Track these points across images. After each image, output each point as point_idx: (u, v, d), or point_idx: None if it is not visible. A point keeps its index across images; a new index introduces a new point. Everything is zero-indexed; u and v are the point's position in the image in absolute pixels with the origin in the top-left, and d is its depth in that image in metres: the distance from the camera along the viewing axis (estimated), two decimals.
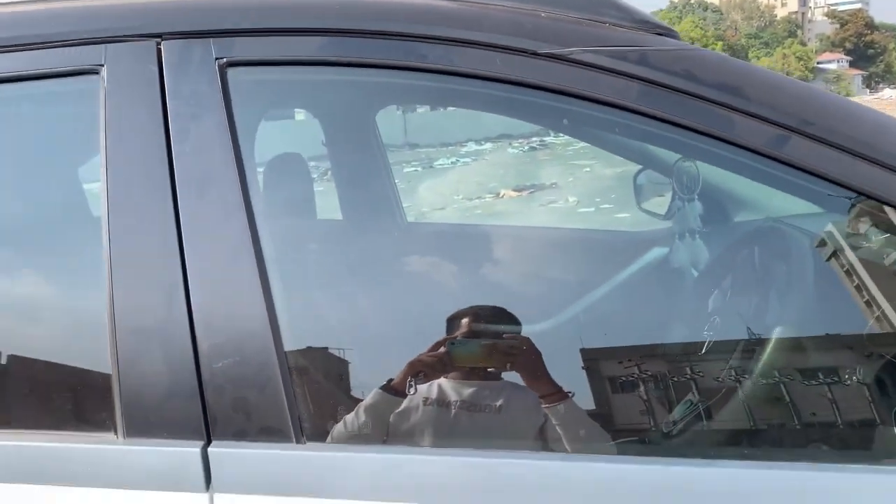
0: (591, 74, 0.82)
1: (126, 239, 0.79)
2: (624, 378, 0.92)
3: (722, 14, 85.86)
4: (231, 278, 0.79)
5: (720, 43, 60.43)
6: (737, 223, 1.32)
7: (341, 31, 0.85)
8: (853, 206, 0.89)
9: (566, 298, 1.17)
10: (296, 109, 1.46)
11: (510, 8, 0.88)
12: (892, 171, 0.81)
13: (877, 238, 0.89)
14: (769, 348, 0.98)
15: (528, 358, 0.89)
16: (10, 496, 0.76)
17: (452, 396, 0.88)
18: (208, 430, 0.76)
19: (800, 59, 70.03)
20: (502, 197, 12.72)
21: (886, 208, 0.82)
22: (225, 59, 0.83)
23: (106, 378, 0.78)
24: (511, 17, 0.87)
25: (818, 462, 0.80)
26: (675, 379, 0.93)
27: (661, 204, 1.67)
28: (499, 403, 0.89)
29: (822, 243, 1.02)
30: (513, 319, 0.95)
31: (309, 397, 0.80)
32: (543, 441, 0.86)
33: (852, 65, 72.95)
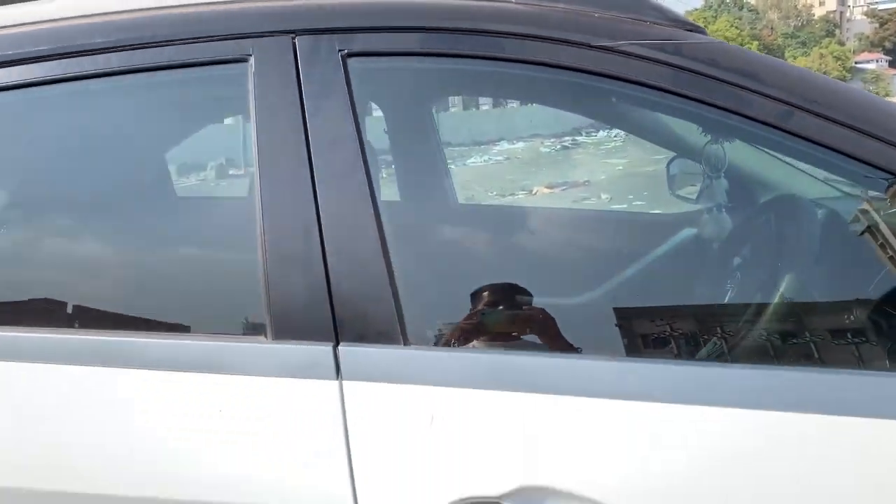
0: (636, 63, 1.05)
1: (273, 187, 1.03)
2: (657, 333, 1.14)
3: (758, 13, 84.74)
4: (353, 219, 1.02)
5: (756, 42, 59.74)
6: (753, 198, 1.52)
7: (438, 28, 1.08)
8: (851, 173, 1.10)
9: (603, 272, 1.41)
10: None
11: (570, 10, 1.10)
12: (881, 140, 1.02)
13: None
14: (777, 297, 1.21)
15: (545, 324, 1.12)
16: (187, 381, 1.00)
17: None
18: (337, 334, 1.00)
19: (837, 58, 68.97)
20: (535, 194, 12.89)
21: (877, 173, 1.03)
22: (346, 51, 1.07)
23: (259, 297, 1.02)
24: (571, 17, 1.09)
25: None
26: (701, 332, 1.15)
27: (692, 192, 1.88)
28: None
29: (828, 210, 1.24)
30: (535, 290, 1.17)
31: (409, 311, 1.02)
32: None
33: (892, 64, 71.52)
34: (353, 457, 0.96)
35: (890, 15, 77.25)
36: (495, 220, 1.62)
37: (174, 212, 1.23)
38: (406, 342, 1.00)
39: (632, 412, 0.96)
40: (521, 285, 1.14)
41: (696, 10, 74.51)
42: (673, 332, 1.11)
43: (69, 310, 1.12)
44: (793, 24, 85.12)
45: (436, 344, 1.06)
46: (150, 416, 1.00)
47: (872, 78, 65.29)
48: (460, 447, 0.95)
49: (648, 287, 1.34)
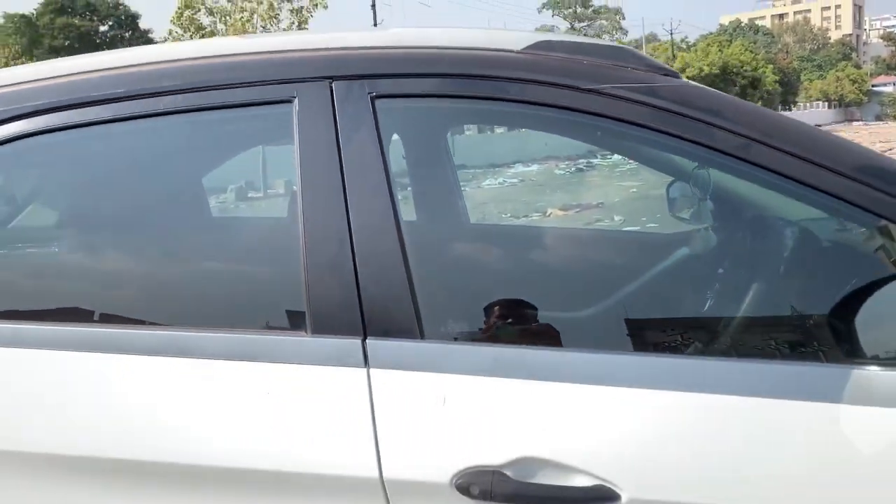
0: (618, 103, 1.24)
1: (313, 206, 1.23)
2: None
3: (773, 37, 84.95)
4: (378, 233, 1.22)
5: (770, 66, 59.85)
6: (734, 217, 1.71)
7: (451, 74, 1.28)
8: (802, 196, 1.29)
9: (592, 285, 1.61)
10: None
11: (563, 58, 1.30)
12: (824, 168, 1.21)
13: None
14: (743, 304, 1.40)
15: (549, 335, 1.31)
16: (243, 368, 1.19)
17: None
18: (365, 329, 1.19)
19: (854, 81, 68.97)
20: (549, 215, 13.08)
21: (817, 193, 1.22)
22: (374, 93, 1.27)
23: (301, 298, 1.21)
24: (564, 64, 1.29)
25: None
26: (674, 333, 1.35)
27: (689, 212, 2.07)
28: None
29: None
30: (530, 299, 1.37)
31: (425, 310, 1.22)
32: None
33: None
34: (378, 431, 1.15)
35: None
36: (499, 237, 1.84)
37: (234, 228, 1.44)
38: (423, 336, 1.20)
39: (611, 396, 1.14)
40: (523, 298, 1.34)
41: (712, 34, 74.87)
42: (650, 332, 1.30)
43: (154, 309, 1.33)
44: (808, 48, 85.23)
45: (447, 338, 1.25)
46: (214, 397, 1.19)
47: (890, 101, 65.13)
48: (467, 424, 1.14)
49: (630, 297, 1.53)
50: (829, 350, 1.29)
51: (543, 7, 72.73)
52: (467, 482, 1.12)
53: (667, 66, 1.35)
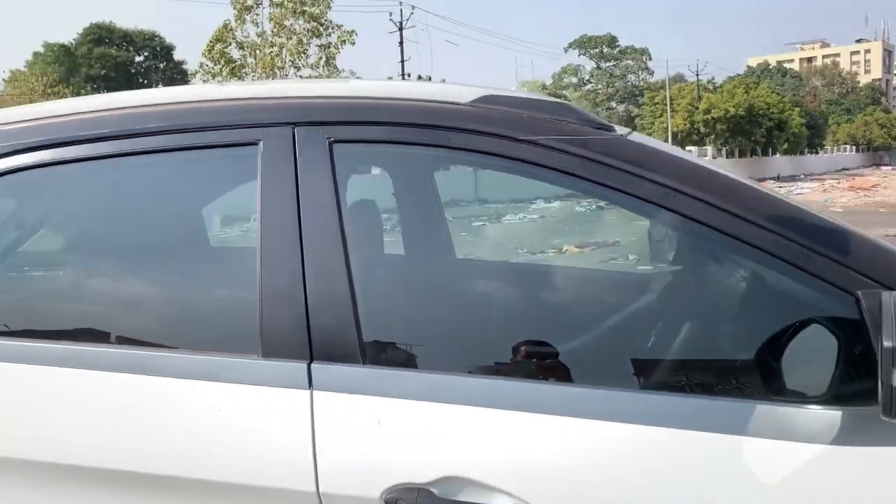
0: (550, 153, 1.36)
1: (271, 240, 1.35)
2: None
3: (801, 80, 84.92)
4: (328, 266, 1.34)
5: (797, 109, 59.73)
6: (675, 261, 1.82)
7: (402, 123, 1.41)
8: (719, 246, 1.39)
9: (539, 320, 1.71)
10: (372, 167, 2.05)
11: (506, 111, 1.42)
12: (738, 217, 1.31)
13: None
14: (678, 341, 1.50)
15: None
16: (192, 389, 1.31)
17: None
18: (311, 354, 1.30)
19: (882, 126, 68.53)
20: (564, 252, 13.16)
21: (729, 240, 1.31)
22: (332, 138, 1.40)
23: (256, 326, 1.33)
24: (505, 117, 1.41)
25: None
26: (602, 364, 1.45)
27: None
28: None
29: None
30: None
31: (368, 338, 1.32)
32: None
33: None
34: (317, 448, 1.25)
35: None
36: (443, 272, 1.95)
37: (197, 258, 1.57)
38: (364, 362, 1.31)
39: (533, 422, 1.24)
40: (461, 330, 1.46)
41: (739, 76, 75.02)
42: (577, 364, 1.40)
43: (122, 330, 1.46)
44: (837, 91, 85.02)
45: (387, 364, 1.36)
46: (172, 412, 1.31)
47: None
48: (398, 444, 1.25)
49: (563, 331, 1.63)
50: (751, 387, 1.38)
51: (570, 46, 73.44)
52: (395, 497, 1.22)
53: (602, 120, 1.46)
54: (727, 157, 56.31)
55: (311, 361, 1.30)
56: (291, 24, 24.82)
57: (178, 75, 49.36)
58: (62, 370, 1.33)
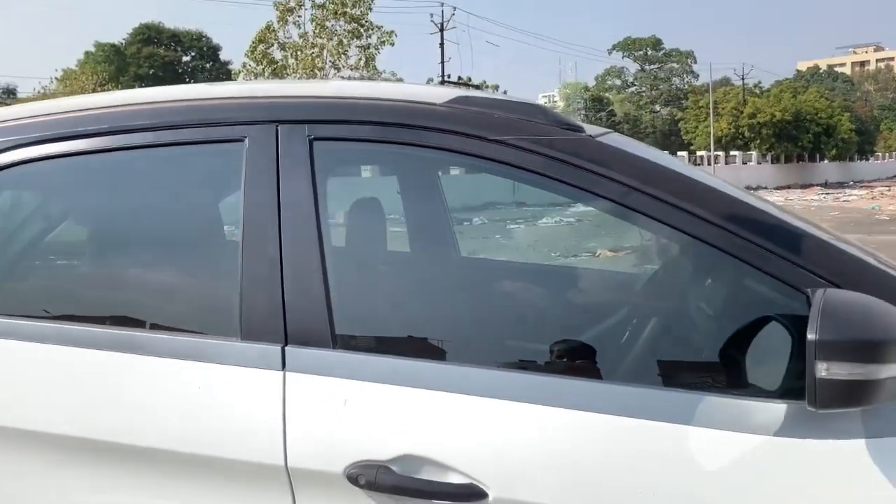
0: (517, 152, 1.42)
1: (252, 230, 1.44)
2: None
3: (853, 84, 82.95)
4: (304, 257, 1.42)
5: (847, 114, 58.40)
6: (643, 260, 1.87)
7: (378, 122, 1.49)
8: (679, 244, 1.44)
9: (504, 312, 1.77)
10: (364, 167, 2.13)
11: (478, 111, 1.49)
12: (697, 216, 1.36)
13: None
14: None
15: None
16: (179, 369, 1.40)
17: None
18: (286, 338, 1.39)
19: None
20: (598, 256, 13.11)
21: (688, 238, 1.36)
22: (313, 136, 1.49)
23: (236, 311, 1.42)
24: (476, 117, 1.48)
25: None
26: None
27: None
28: None
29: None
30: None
31: (339, 325, 1.40)
32: None
33: None
34: (287, 425, 1.33)
35: None
36: (414, 265, 2.03)
37: (185, 248, 1.67)
38: (335, 346, 1.39)
39: (488, 407, 1.30)
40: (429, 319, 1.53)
41: (787, 79, 73.59)
42: (537, 353, 1.46)
43: (115, 312, 1.57)
44: (891, 97, 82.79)
45: (355, 349, 1.44)
46: (157, 388, 1.40)
47: None
48: (362, 423, 1.32)
49: (525, 321, 1.69)
50: (711, 381, 1.43)
51: (614, 48, 72.84)
52: (356, 473, 1.29)
53: (571, 120, 1.52)
54: (772, 163, 55.36)
55: (285, 345, 1.38)
56: (332, 26, 25.15)
57: (223, 75, 50.30)
58: (55, 347, 1.44)
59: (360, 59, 25.45)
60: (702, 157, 51.79)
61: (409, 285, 1.78)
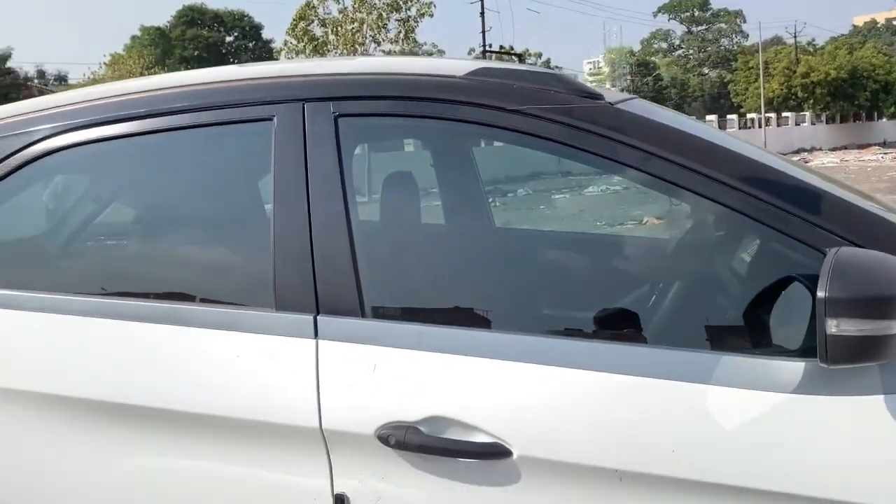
0: (536, 121, 1.45)
1: (282, 206, 1.50)
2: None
3: None
4: (332, 229, 1.48)
5: None
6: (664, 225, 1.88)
7: (400, 97, 1.53)
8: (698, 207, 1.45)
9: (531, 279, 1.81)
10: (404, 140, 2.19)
11: (496, 82, 1.52)
12: (715, 179, 1.37)
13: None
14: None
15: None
16: (219, 339, 1.48)
17: None
18: (318, 308, 1.45)
19: None
20: (645, 223, 12.99)
21: (704, 200, 1.38)
22: (338, 113, 1.54)
23: (270, 284, 1.48)
24: (495, 88, 1.51)
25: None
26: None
27: None
28: None
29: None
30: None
31: (367, 295, 1.46)
32: None
33: None
34: (321, 390, 1.40)
35: None
36: (438, 236, 2.08)
37: (222, 223, 1.75)
38: (363, 315, 1.45)
39: (512, 369, 1.35)
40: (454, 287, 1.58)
41: (843, 36, 71.00)
42: (559, 315, 1.50)
43: (161, 288, 1.66)
44: None
45: (383, 317, 1.49)
46: (199, 357, 1.49)
47: None
48: (391, 387, 1.38)
49: (550, 288, 1.72)
50: (734, 341, 1.45)
51: (659, 11, 71.14)
52: (387, 434, 1.36)
53: (590, 88, 1.53)
54: (827, 123, 53.65)
55: (317, 314, 1.45)
56: (371, 0, 25.11)
57: (266, 54, 50.75)
58: (103, 321, 1.53)
59: (400, 32, 25.40)
60: (752, 119, 50.42)
61: (435, 255, 1.83)
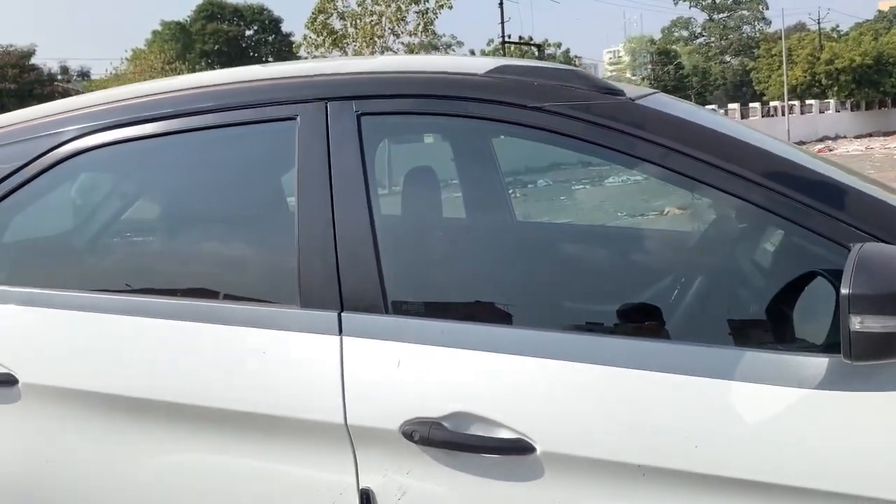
0: (557, 119, 1.46)
1: (307, 204, 1.52)
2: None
3: None
4: (356, 227, 1.49)
5: None
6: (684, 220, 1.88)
7: (422, 95, 1.54)
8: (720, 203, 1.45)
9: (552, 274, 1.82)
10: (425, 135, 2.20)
11: (517, 79, 1.53)
12: (734, 175, 1.37)
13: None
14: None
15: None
16: (246, 335, 1.50)
17: None
18: (342, 304, 1.47)
19: None
20: (666, 214, 12.90)
21: (726, 196, 1.38)
22: (360, 111, 1.55)
23: (295, 281, 1.51)
24: (516, 85, 1.51)
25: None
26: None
27: None
28: None
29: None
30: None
31: (391, 292, 1.48)
32: None
33: None
34: (345, 386, 1.42)
35: None
36: (459, 232, 2.09)
37: (248, 223, 1.78)
38: (387, 312, 1.46)
39: (535, 366, 1.36)
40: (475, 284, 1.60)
41: (868, 21, 69.79)
42: (580, 311, 1.51)
43: (191, 286, 1.69)
44: None
45: (406, 314, 1.51)
46: (226, 353, 1.51)
47: None
48: (415, 383, 1.40)
49: (569, 284, 1.73)
50: (758, 337, 1.45)
51: None
52: (411, 429, 1.37)
53: (610, 84, 1.53)
54: (851, 110, 52.86)
55: (341, 311, 1.47)
56: None
57: (285, 48, 50.89)
58: (133, 318, 1.56)
59: (419, 24, 25.35)
60: (775, 107, 49.79)
61: (458, 252, 1.85)
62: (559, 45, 46.77)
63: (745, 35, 68.28)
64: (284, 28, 54.74)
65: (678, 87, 57.86)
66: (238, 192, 1.80)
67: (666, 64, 61.99)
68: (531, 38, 42.78)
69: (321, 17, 25.45)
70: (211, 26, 51.25)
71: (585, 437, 1.33)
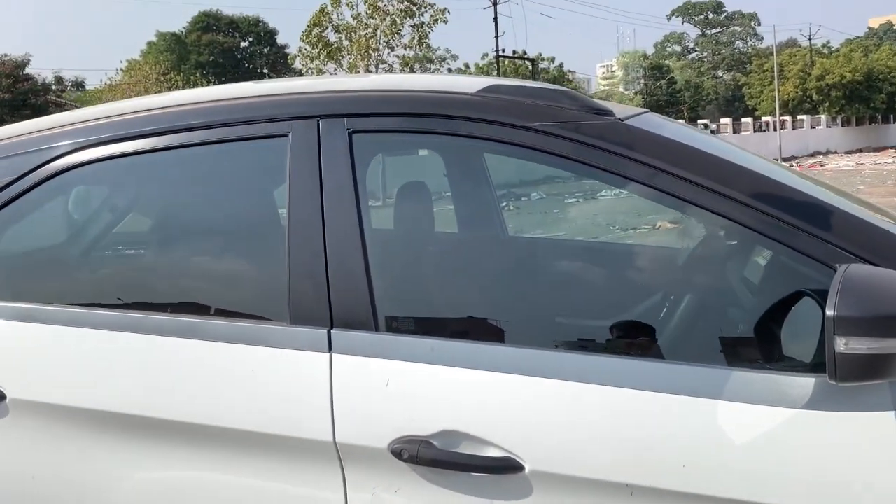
0: (546, 138, 1.47)
1: (297, 221, 1.53)
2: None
3: None
4: (346, 243, 1.50)
5: None
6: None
7: (413, 113, 1.55)
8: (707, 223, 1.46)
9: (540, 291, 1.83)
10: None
11: (508, 99, 1.54)
12: (722, 195, 1.38)
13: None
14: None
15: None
16: (235, 352, 1.50)
17: None
18: (331, 321, 1.47)
19: None
20: (658, 228, 12.97)
21: (713, 216, 1.39)
22: (352, 129, 1.56)
23: (284, 298, 1.51)
24: (507, 105, 1.53)
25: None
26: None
27: None
28: None
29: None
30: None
31: (381, 309, 1.48)
32: None
33: None
34: (334, 404, 1.42)
35: None
36: (450, 246, 2.10)
37: (238, 239, 1.78)
38: (377, 329, 1.47)
39: (524, 384, 1.37)
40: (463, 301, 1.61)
41: (858, 38, 70.47)
42: (569, 329, 1.52)
43: (177, 301, 1.69)
44: None
45: (396, 331, 1.52)
46: (215, 370, 1.51)
47: None
48: (404, 401, 1.40)
49: (556, 301, 1.74)
50: (746, 357, 1.46)
51: (673, 14, 70.93)
52: (400, 448, 1.38)
53: (599, 104, 1.55)
54: (842, 126, 53.24)
55: (331, 328, 1.47)
56: (385, 6, 25.21)
57: (280, 60, 50.99)
58: (121, 334, 1.56)
59: (414, 38, 25.47)
60: (767, 122, 50.09)
61: (448, 269, 1.86)
62: (553, 60, 47.00)
63: (737, 50, 68.84)
64: (279, 40, 54.89)
65: (671, 102, 58.22)
66: (230, 208, 1.80)
67: (659, 79, 62.35)
68: (525, 53, 43.02)
69: (316, 30, 25.55)
70: (206, 38, 51.33)
71: (574, 456, 1.33)
